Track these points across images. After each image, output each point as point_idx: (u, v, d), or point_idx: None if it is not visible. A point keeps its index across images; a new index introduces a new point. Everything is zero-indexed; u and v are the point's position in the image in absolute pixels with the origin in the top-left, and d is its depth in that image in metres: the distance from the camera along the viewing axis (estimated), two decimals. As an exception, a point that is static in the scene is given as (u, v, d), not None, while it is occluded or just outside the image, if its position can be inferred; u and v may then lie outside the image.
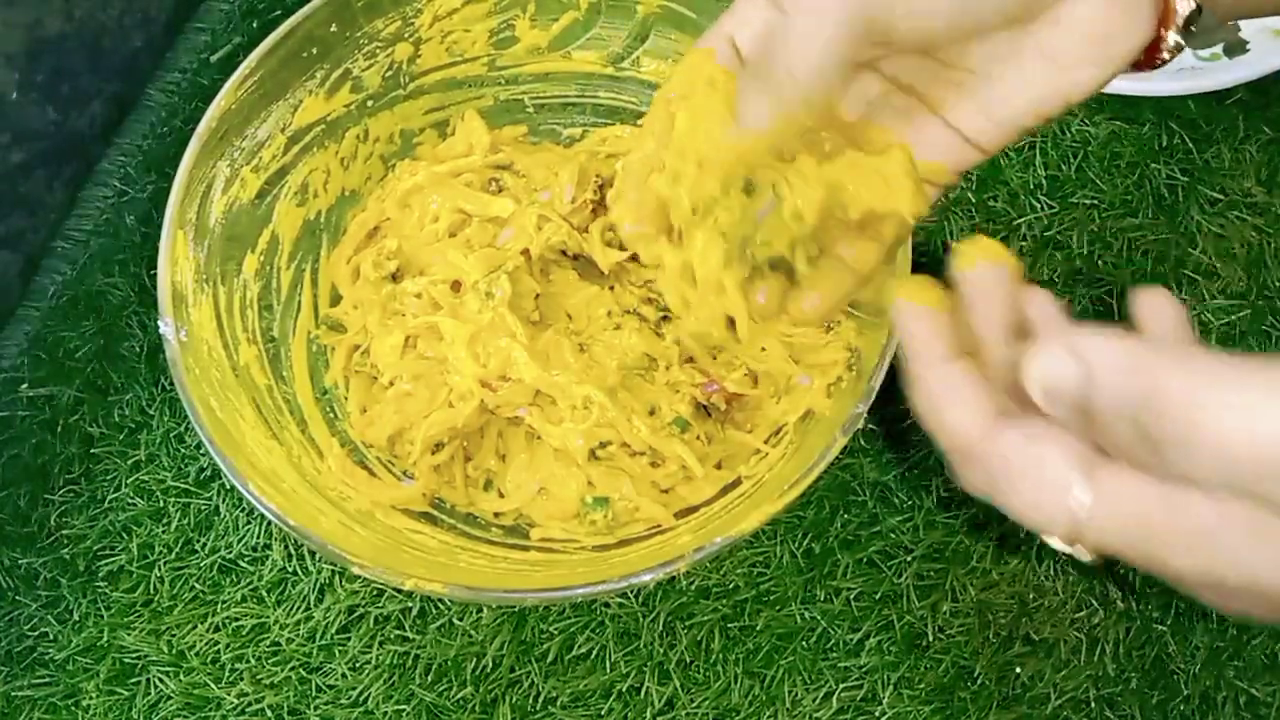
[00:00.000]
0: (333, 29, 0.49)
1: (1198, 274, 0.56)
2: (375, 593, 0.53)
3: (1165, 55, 0.33)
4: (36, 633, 0.54)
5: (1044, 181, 0.58)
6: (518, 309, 0.49)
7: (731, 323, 0.36)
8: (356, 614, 0.53)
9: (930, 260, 0.57)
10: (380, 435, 0.50)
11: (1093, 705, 0.51)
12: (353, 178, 0.54)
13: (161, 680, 0.52)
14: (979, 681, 0.51)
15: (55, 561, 0.54)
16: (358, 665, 0.52)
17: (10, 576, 0.54)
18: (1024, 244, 0.57)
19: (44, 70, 0.56)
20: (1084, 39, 0.31)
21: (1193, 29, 0.32)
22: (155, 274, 0.45)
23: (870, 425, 0.54)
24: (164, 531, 0.54)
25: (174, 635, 0.53)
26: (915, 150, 0.34)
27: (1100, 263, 0.57)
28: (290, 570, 0.53)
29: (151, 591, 0.54)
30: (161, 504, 0.55)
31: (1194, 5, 0.32)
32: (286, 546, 0.54)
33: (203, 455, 0.55)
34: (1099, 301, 0.56)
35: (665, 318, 0.52)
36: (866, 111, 0.35)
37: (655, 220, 0.34)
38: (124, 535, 0.55)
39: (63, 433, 0.56)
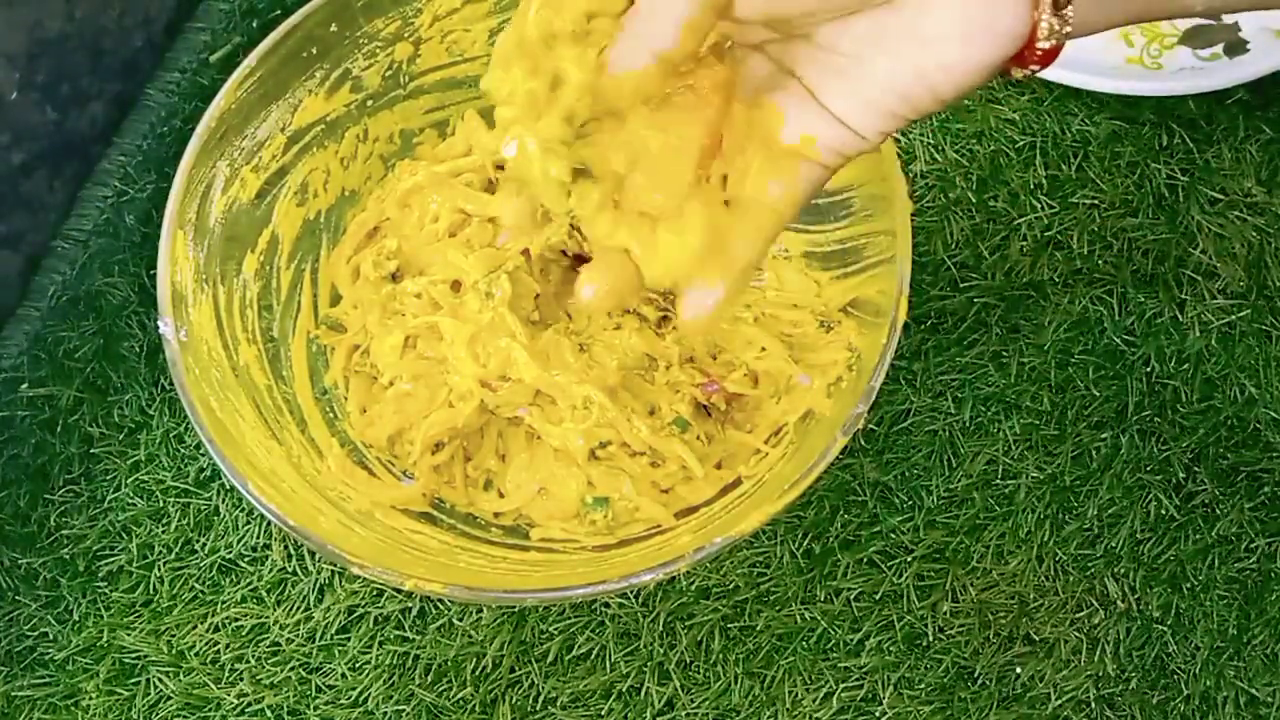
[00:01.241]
0: (333, 29, 0.49)
1: (1198, 274, 0.56)
2: (375, 593, 0.53)
3: (1043, 44, 0.32)
4: (36, 633, 0.54)
5: (1044, 181, 0.58)
6: (518, 309, 0.49)
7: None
8: (356, 614, 0.53)
9: (930, 262, 0.57)
10: (380, 435, 0.50)
11: (1093, 705, 0.51)
12: (353, 178, 0.54)
13: (161, 680, 0.52)
14: (979, 681, 0.51)
15: (55, 561, 0.54)
16: (358, 665, 0.52)
17: (10, 576, 0.54)
18: (1024, 244, 0.57)
19: (44, 70, 0.56)
20: (948, 20, 0.31)
21: (1068, 13, 0.32)
22: (155, 274, 0.45)
23: (870, 425, 0.54)
24: (164, 531, 0.54)
25: (174, 635, 0.53)
26: (789, 128, 0.35)
27: (1100, 263, 0.57)
28: (290, 570, 0.53)
29: (151, 591, 0.54)
30: (161, 504, 0.55)
31: None
32: (286, 546, 0.54)
33: (203, 455, 0.55)
34: (1099, 301, 0.56)
35: (665, 317, 0.52)
36: (755, 94, 0.36)
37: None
38: (124, 535, 0.55)
39: (63, 433, 0.56)
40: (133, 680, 0.53)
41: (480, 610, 0.52)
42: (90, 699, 0.52)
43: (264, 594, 0.53)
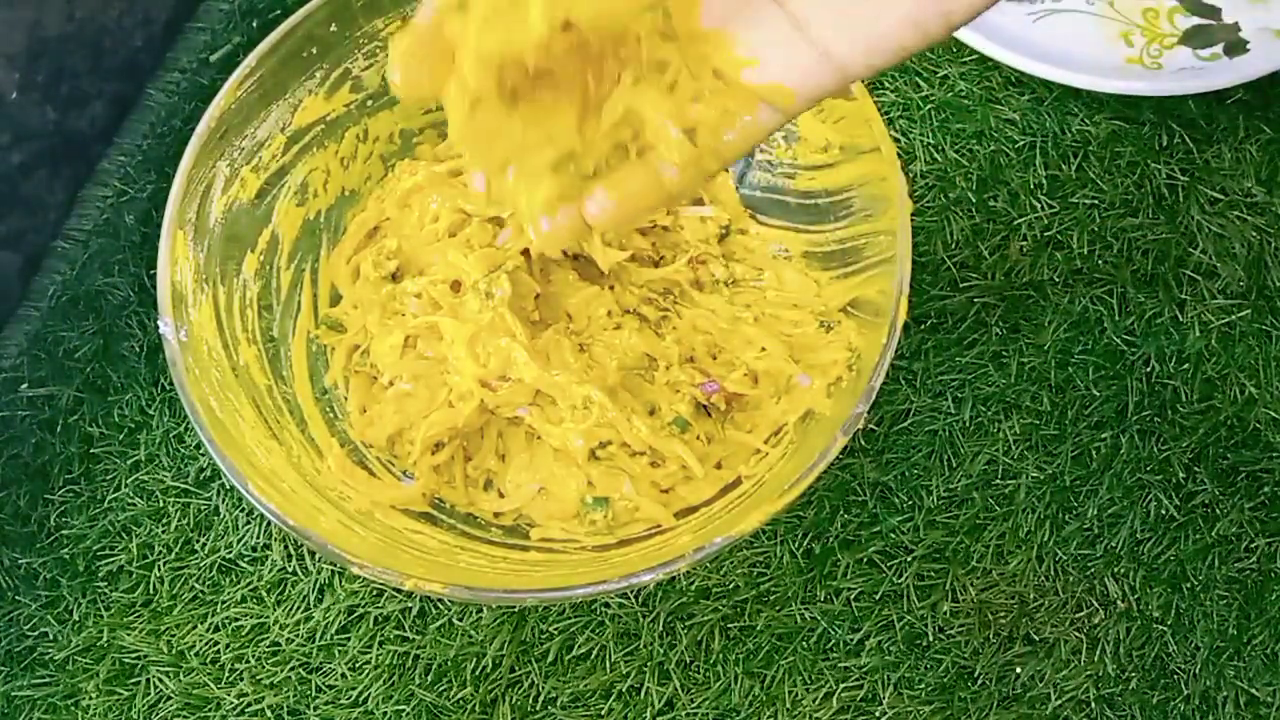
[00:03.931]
0: (333, 29, 0.49)
1: (1198, 274, 0.56)
2: (375, 593, 0.53)
3: None
4: (36, 633, 0.54)
5: (1044, 181, 0.58)
6: (518, 309, 0.49)
7: None
8: (356, 614, 0.53)
9: (930, 262, 0.57)
10: (380, 435, 0.50)
11: (1093, 705, 0.51)
12: (353, 177, 0.54)
13: (161, 680, 0.52)
14: (979, 681, 0.51)
15: (55, 561, 0.54)
16: (358, 665, 0.52)
17: (10, 576, 0.54)
18: (1024, 244, 0.57)
19: (44, 70, 0.56)
20: None
21: None
22: (155, 274, 0.45)
23: (870, 425, 0.54)
24: (164, 531, 0.54)
25: (174, 635, 0.53)
26: (764, 67, 0.30)
27: (1100, 263, 0.57)
28: (290, 570, 0.53)
29: (151, 591, 0.54)
30: (161, 504, 0.55)
31: None
32: (286, 546, 0.54)
33: (203, 455, 0.55)
34: (1099, 301, 0.56)
35: (665, 317, 0.52)
36: (722, 18, 0.31)
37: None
38: (124, 535, 0.55)
39: (63, 433, 0.56)
40: (133, 680, 0.53)
41: (480, 610, 0.52)
42: (90, 699, 0.52)
43: (264, 594, 0.53)
